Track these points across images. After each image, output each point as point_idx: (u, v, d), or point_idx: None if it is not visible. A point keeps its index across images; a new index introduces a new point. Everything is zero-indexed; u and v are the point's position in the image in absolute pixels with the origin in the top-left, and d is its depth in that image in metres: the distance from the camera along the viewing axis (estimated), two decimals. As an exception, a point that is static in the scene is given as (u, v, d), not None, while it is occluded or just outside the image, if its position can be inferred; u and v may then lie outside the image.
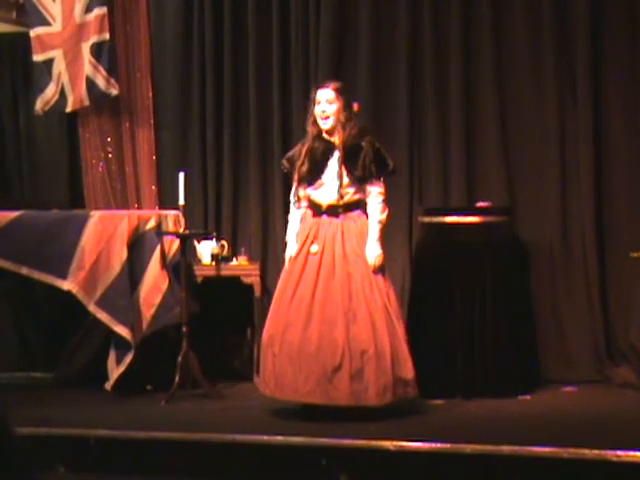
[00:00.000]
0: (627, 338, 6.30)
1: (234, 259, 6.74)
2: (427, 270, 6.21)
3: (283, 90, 6.86)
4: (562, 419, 5.37)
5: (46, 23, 6.82)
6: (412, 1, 6.65)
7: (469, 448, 4.61)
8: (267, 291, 6.56)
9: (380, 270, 5.41)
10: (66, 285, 6.09)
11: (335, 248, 5.40)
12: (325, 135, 5.52)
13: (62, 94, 6.84)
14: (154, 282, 6.19)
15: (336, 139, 5.49)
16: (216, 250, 6.64)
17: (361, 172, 5.43)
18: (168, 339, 6.37)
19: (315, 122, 5.51)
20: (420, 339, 5.78)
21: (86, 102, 6.84)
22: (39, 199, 7.14)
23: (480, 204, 6.37)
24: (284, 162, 5.73)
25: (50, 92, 6.85)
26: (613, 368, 6.30)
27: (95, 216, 6.23)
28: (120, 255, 6.12)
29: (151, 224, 6.28)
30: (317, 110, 5.49)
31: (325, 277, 5.36)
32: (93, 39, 6.78)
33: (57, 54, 6.82)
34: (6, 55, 7.42)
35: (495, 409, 5.66)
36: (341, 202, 5.46)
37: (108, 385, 6.15)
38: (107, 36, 6.78)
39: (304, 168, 5.50)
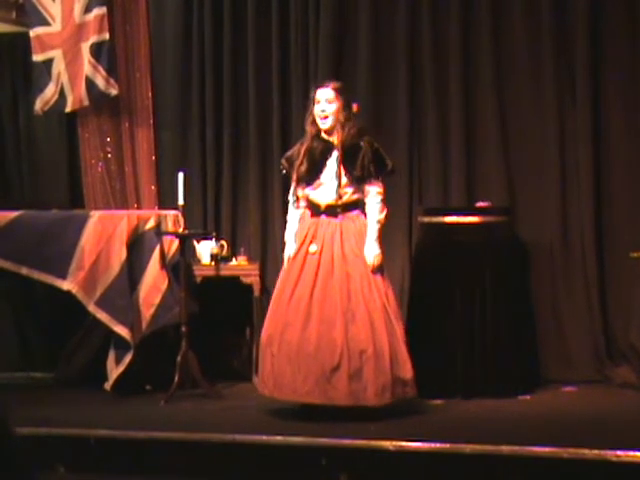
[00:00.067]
0: (627, 338, 6.30)
1: (233, 259, 6.73)
2: (427, 270, 6.21)
3: (283, 90, 6.86)
4: (562, 419, 5.37)
5: (46, 23, 6.82)
6: (411, 3, 6.65)
7: (469, 448, 4.61)
8: (266, 291, 6.56)
9: (379, 270, 5.41)
10: (66, 285, 6.09)
11: (334, 248, 5.40)
12: (324, 135, 5.52)
13: (62, 94, 6.84)
14: (153, 282, 6.20)
15: (335, 139, 5.48)
16: (215, 250, 6.64)
17: (360, 172, 5.42)
18: (167, 339, 6.37)
19: (314, 121, 5.51)
20: (420, 339, 5.78)
21: (85, 102, 6.84)
22: (39, 199, 7.14)
23: (480, 204, 6.37)
24: (283, 162, 5.72)
25: (50, 92, 6.85)
26: (613, 368, 6.30)
27: (95, 216, 6.23)
28: (119, 255, 6.12)
29: (150, 224, 6.28)
30: (316, 109, 5.49)
31: (324, 277, 5.36)
32: (93, 39, 6.78)
33: (57, 54, 6.82)
34: (6, 55, 7.42)
35: (495, 409, 5.66)
36: (340, 202, 5.45)
37: (108, 385, 6.15)
38: (107, 36, 6.78)
39: (303, 168, 5.50)
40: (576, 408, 5.68)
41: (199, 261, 6.66)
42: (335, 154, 5.46)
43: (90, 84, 6.79)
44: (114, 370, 6.13)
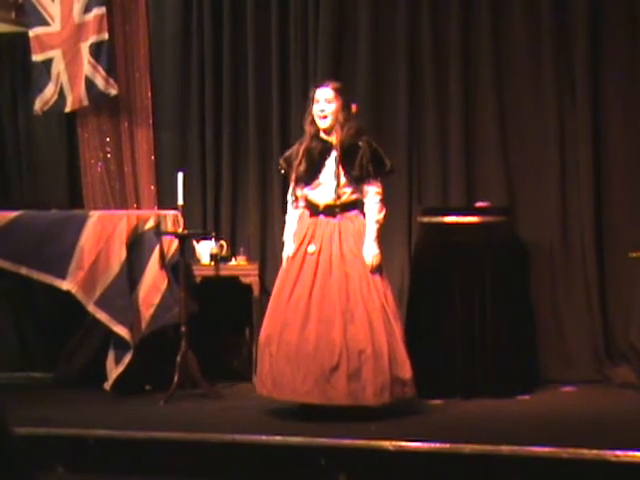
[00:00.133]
0: (627, 338, 6.30)
1: (233, 259, 6.73)
2: (426, 270, 6.21)
3: (282, 90, 6.86)
4: (561, 419, 5.37)
5: (45, 23, 6.82)
6: (411, 3, 6.64)
7: (468, 448, 4.61)
8: (266, 291, 6.55)
9: (378, 270, 5.41)
10: (65, 285, 6.09)
11: (332, 248, 5.39)
12: (323, 135, 5.51)
13: (61, 94, 6.84)
14: (153, 282, 6.20)
15: (334, 139, 5.48)
16: (215, 250, 6.64)
17: (358, 172, 5.42)
18: (167, 339, 6.37)
19: (313, 121, 5.51)
20: (419, 339, 5.78)
21: (85, 102, 6.84)
22: (38, 199, 7.14)
23: (479, 204, 6.37)
24: (281, 162, 5.71)
25: (49, 92, 6.85)
26: (613, 368, 6.30)
27: (94, 216, 6.23)
28: (119, 255, 6.12)
29: (150, 224, 6.28)
30: (315, 109, 5.48)
31: (322, 277, 5.36)
32: (92, 39, 6.77)
33: (56, 54, 6.82)
34: (5, 55, 7.42)
35: (494, 409, 5.66)
36: (338, 202, 5.45)
37: (107, 385, 6.15)
38: (106, 36, 6.78)
39: (301, 168, 5.50)
40: (575, 408, 5.68)
41: (199, 261, 6.66)
42: (334, 154, 5.46)
43: (89, 84, 6.79)
44: (113, 370, 6.13)
